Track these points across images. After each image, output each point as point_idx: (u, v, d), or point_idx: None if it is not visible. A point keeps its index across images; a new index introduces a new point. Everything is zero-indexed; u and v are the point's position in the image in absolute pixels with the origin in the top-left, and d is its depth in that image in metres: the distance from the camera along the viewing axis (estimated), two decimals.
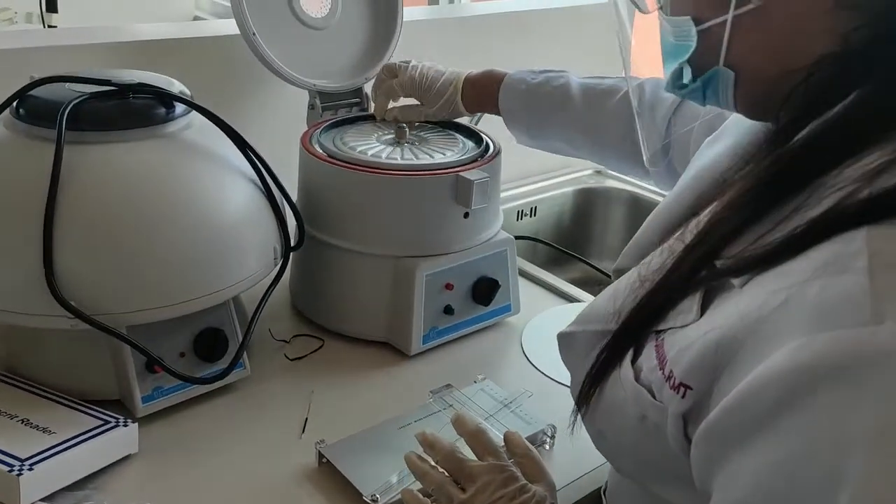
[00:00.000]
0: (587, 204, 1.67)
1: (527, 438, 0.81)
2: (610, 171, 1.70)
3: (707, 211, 0.58)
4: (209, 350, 0.91)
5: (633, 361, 0.60)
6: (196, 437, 0.88)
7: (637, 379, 0.58)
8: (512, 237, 1.10)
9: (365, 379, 1.00)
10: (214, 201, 0.88)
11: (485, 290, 1.06)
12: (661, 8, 0.63)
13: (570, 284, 1.26)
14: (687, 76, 0.62)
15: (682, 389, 0.53)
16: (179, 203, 0.86)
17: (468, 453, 0.75)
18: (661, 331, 0.58)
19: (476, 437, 0.76)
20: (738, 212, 0.54)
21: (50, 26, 1.85)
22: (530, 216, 1.61)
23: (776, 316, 0.47)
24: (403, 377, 1.01)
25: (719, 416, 0.48)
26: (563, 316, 1.15)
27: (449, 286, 1.03)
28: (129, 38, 1.17)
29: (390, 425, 0.87)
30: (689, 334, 0.54)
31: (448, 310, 1.04)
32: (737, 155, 0.59)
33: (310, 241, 1.05)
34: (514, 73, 1.08)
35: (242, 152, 0.91)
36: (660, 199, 1.59)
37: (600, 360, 0.62)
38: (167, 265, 0.84)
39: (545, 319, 1.15)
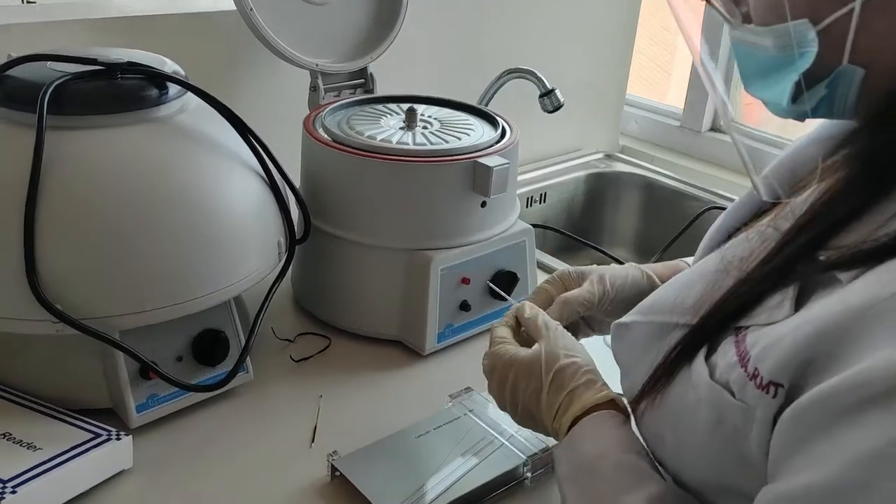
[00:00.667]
0: (598, 189, 1.60)
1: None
2: (621, 155, 1.63)
3: (804, 197, 0.51)
4: (209, 353, 0.83)
5: (707, 358, 0.54)
6: (196, 449, 0.81)
7: (711, 376, 0.53)
8: (531, 227, 1.03)
9: (376, 381, 0.93)
10: (213, 192, 0.81)
11: (504, 283, 0.99)
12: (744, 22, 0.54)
13: None
14: (810, 89, 0.53)
15: (772, 388, 0.48)
16: (174, 194, 0.78)
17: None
18: (742, 326, 0.52)
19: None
20: (846, 200, 0.48)
21: (29, 1, 1.75)
22: (540, 202, 1.53)
23: (889, 305, 0.43)
24: (418, 378, 0.94)
25: (815, 398, 0.45)
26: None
27: (465, 280, 0.96)
28: (117, 13, 1.08)
29: (407, 434, 0.80)
30: (779, 330, 0.49)
31: (464, 305, 0.97)
32: (822, 139, 0.52)
33: (315, 234, 0.97)
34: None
35: (243, 137, 0.83)
36: (675, 184, 1.54)
37: (672, 355, 0.56)
38: (162, 263, 0.77)
39: None
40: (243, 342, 0.85)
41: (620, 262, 1.37)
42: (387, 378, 0.93)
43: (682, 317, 0.58)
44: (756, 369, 0.49)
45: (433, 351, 0.97)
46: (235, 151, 0.84)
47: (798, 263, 0.50)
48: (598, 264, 1.52)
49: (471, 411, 0.84)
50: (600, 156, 1.64)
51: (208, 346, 0.83)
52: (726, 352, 0.52)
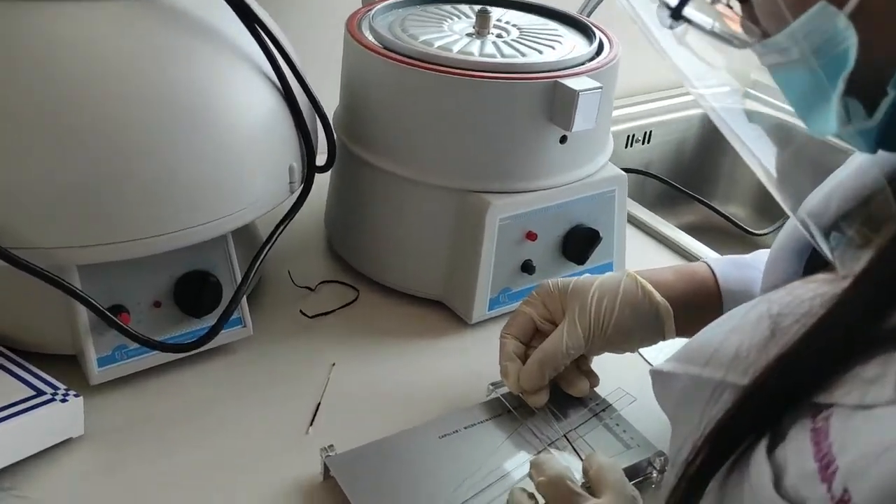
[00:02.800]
0: (717, 131, 1.34)
1: (625, 470, 0.56)
2: (752, 91, 1.35)
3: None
4: (194, 301, 0.67)
5: (771, 450, 0.37)
6: (168, 420, 0.65)
7: (777, 487, 0.36)
8: (623, 173, 0.81)
9: (405, 351, 0.74)
10: (206, 95, 0.62)
11: (581, 243, 0.78)
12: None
13: (694, 239, 0.96)
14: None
15: None
16: (155, 93, 0.60)
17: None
18: (822, 405, 0.36)
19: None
20: None
21: None
22: (643, 143, 1.29)
23: None
24: (458, 354, 0.75)
25: None
26: None
27: (531, 235, 0.76)
28: None
29: (428, 433, 0.62)
30: (884, 423, 0.33)
31: (527, 267, 0.77)
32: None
33: (350, 161, 0.78)
34: (722, 274, 0.69)
35: (249, 28, 0.64)
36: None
37: (717, 438, 0.39)
38: (136, 182, 0.59)
39: None
40: (237, 286, 0.68)
41: (736, 224, 1.14)
42: (419, 349, 0.74)
43: (729, 372, 0.41)
44: (846, 492, 0.32)
45: (482, 320, 0.77)
46: (240, 46, 0.65)
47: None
48: (706, 222, 1.30)
49: (515, 409, 0.64)
50: (726, 89, 1.37)
51: (194, 291, 0.66)
52: (800, 446, 0.36)
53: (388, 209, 0.78)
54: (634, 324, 0.64)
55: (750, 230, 1.07)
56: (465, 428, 0.63)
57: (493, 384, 0.67)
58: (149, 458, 0.61)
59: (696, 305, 0.66)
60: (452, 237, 0.76)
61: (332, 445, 0.60)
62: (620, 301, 0.64)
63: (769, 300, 0.41)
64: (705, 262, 0.69)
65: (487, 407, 0.65)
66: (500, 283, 0.76)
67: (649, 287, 0.65)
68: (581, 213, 0.78)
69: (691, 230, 1.01)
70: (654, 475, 0.62)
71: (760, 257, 0.68)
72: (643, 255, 0.91)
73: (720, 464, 0.39)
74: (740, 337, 0.41)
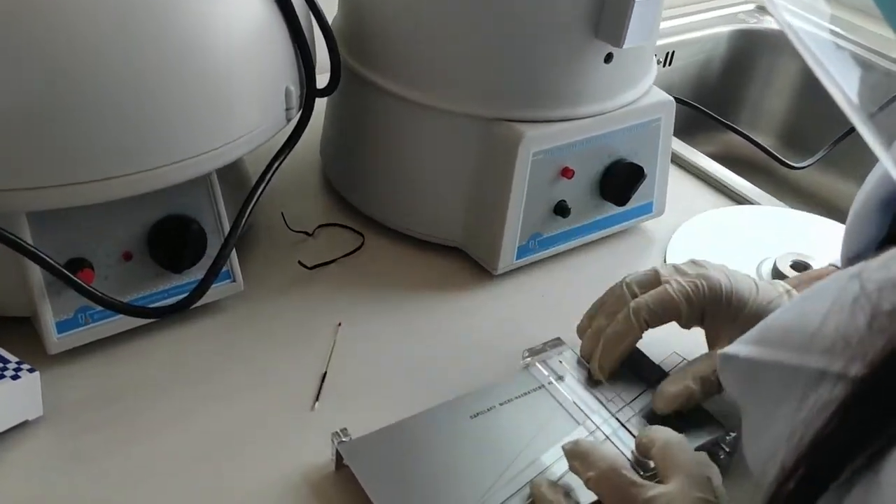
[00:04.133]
0: (744, 52, 1.22)
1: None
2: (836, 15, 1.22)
3: None
4: (173, 252, 0.55)
5: None
6: (143, 396, 0.54)
7: None
8: (671, 99, 0.70)
9: (420, 308, 0.64)
10: (184, 4, 0.50)
11: (622, 181, 0.67)
12: None
13: (733, 174, 0.85)
14: None
15: None
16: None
17: None
18: None
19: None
20: None
21: None
22: (664, 64, 1.17)
23: None
24: (482, 311, 0.64)
25: None
26: (731, 223, 0.79)
27: (567, 172, 0.65)
28: None
29: (457, 410, 0.52)
30: None
31: (561, 208, 0.66)
32: None
33: (352, 82, 0.66)
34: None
35: None
36: (860, 52, 1.14)
37: (815, 461, 0.30)
38: (96, 109, 0.48)
39: (701, 227, 0.76)
40: (226, 236, 0.56)
41: (766, 150, 1.02)
42: (435, 305, 0.64)
43: (833, 359, 0.32)
44: None
45: (509, 270, 0.67)
46: None
47: None
48: (732, 150, 1.19)
49: (558, 379, 0.55)
50: (752, 7, 1.25)
51: (172, 241, 0.55)
52: None
53: (399, 141, 0.66)
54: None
55: (788, 162, 0.96)
56: (500, 404, 0.53)
57: (528, 350, 0.57)
58: (120, 443, 0.51)
59: None
60: (476, 174, 0.64)
61: (345, 429, 0.50)
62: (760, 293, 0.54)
63: (861, 278, 0.32)
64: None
65: (522, 380, 0.55)
66: (529, 228, 0.66)
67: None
68: (623, 145, 0.67)
69: (716, 158, 0.90)
70: (722, 457, 0.52)
71: None
72: (684, 196, 0.80)
73: (825, 484, 0.30)
74: (838, 319, 0.32)
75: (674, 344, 0.59)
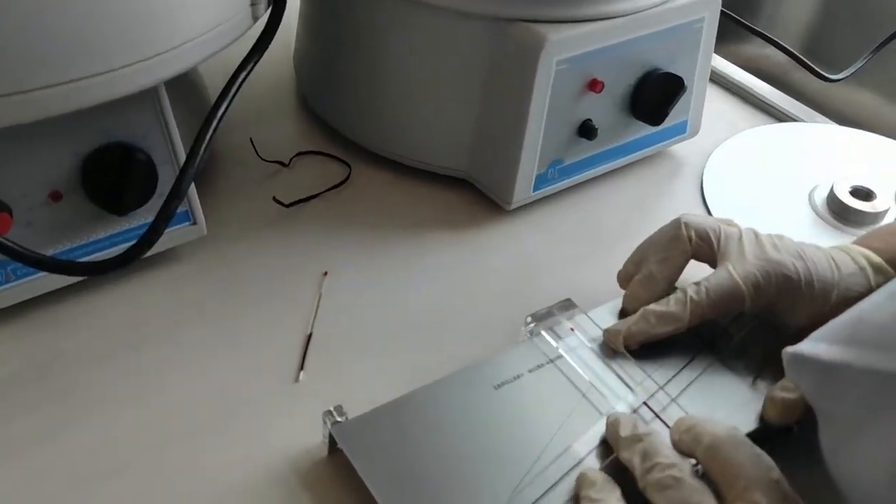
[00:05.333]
0: None
1: (751, 435, 0.38)
2: None
3: None
4: (114, 189, 0.44)
5: None
6: (84, 366, 0.44)
7: None
8: None
9: (421, 255, 0.53)
10: None
11: (658, 95, 0.56)
12: None
13: (772, 88, 0.75)
14: None
15: None
16: None
17: None
18: None
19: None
20: None
21: None
22: None
23: None
24: (493, 254, 0.54)
25: None
26: (773, 144, 0.68)
27: (595, 85, 0.54)
28: None
29: (474, 379, 0.42)
30: None
31: (586, 129, 0.55)
32: None
33: None
34: None
35: None
36: None
37: None
38: (11, 6, 0.36)
39: (739, 149, 0.66)
40: (182, 167, 0.45)
41: (792, 54, 0.90)
42: (439, 249, 0.53)
43: None
44: None
45: (525, 204, 0.56)
46: None
47: None
48: (753, 59, 1.07)
49: (570, 352, 0.44)
50: None
51: (112, 175, 0.44)
52: None
53: (391, 48, 0.55)
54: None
55: (823, 73, 0.85)
56: (530, 372, 0.43)
57: (532, 316, 0.46)
58: (60, 426, 0.41)
59: None
60: (486, 88, 0.53)
61: (339, 407, 0.40)
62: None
63: None
64: None
65: (528, 350, 0.44)
66: (550, 154, 0.55)
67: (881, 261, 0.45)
68: (659, 52, 0.56)
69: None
70: (794, 429, 0.43)
71: None
72: (715, 111, 0.69)
73: None
74: None
75: None
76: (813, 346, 0.30)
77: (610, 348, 0.44)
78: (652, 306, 0.44)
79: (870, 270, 0.44)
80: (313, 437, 0.41)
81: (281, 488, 0.39)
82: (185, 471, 0.39)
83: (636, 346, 0.44)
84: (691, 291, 0.43)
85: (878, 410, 0.27)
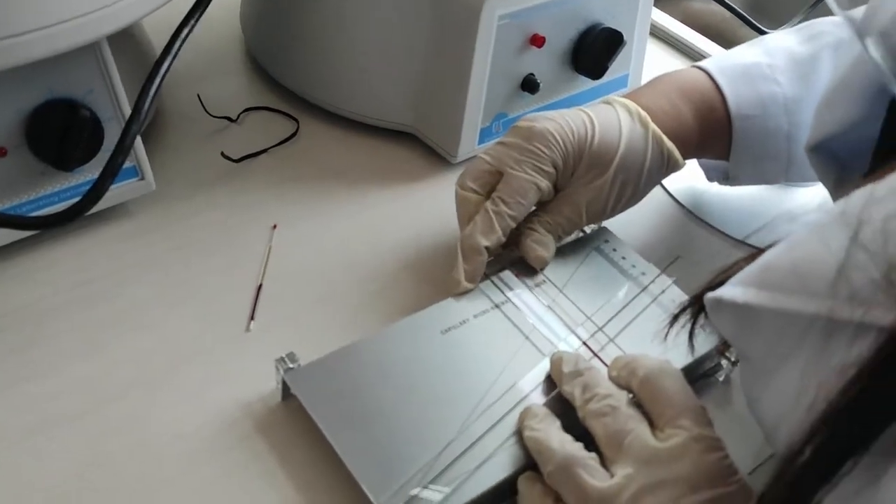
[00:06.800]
0: None
1: (685, 370, 0.41)
2: None
3: None
4: (60, 144, 0.44)
5: None
6: (37, 324, 0.44)
7: None
8: None
9: (369, 207, 0.54)
10: None
11: (599, 50, 0.58)
12: None
13: (711, 43, 0.77)
14: None
15: None
16: None
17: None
18: None
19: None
20: None
21: None
22: None
23: None
24: (440, 207, 0.55)
25: None
26: None
27: (537, 40, 0.55)
28: None
29: (423, 325, 0.44)
30: None
31: (529, 83, 0.57)
32: None
33: None
34: (734, 97, 0.50)
35: None
36: None
37: (833, 432, 0.25)
38: None
39: None
40: (126, 122, 0.45)
41: (744, 18, 0.93)
42: (387, 201, 0.55)
43: (858, 307, 0.25)
44: None
45: (470, 157, 0.58)
46: None
47: None
48: (696, 16, 1.09)
49: (514, 295, 0.46)
50: None
51: (58, 130, 0.44)
52: None
53: (338, 3, 0.55)
54: (644, 194, 0.49)
55: (765, 30, 0.88)
56: (475, 317, 0.45)
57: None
58: (9, 383, 0.41)
59: (702, 146, 0.51)
60: (431, 43, 0.54)
61: (291, 353, 0.41)
62: (645, 179, 0.48)
63: (849, 219, 0.26)
64: (705, 73, 0.51)
65: (474, 296, 0.46)
66: (494, 107, 0.56)
67: (675, 153, 0.48)
68: (599, 7, 0.57)
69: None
70: (725, 365, 0.46)
71: (775, 60, 0.51)
72: (655, 64, 0.71)
73: (844, 458, 0.25)
74: (837, 258, 0.25)
75: (668, 233, 0.52)
76: (730, 290, 0.31)
77: (549, 293, 0.46)
78: (466, 238, 0.46)
79: (625, 117, 0.47)
80: (266, 385, 0.42)
81: (236, 434, 0.41)
82: (140, 420, 0.41)
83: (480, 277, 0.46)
84: (490, 207, 0.46)
85: (789, 353, 0.30)
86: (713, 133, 0.50)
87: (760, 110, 0.50)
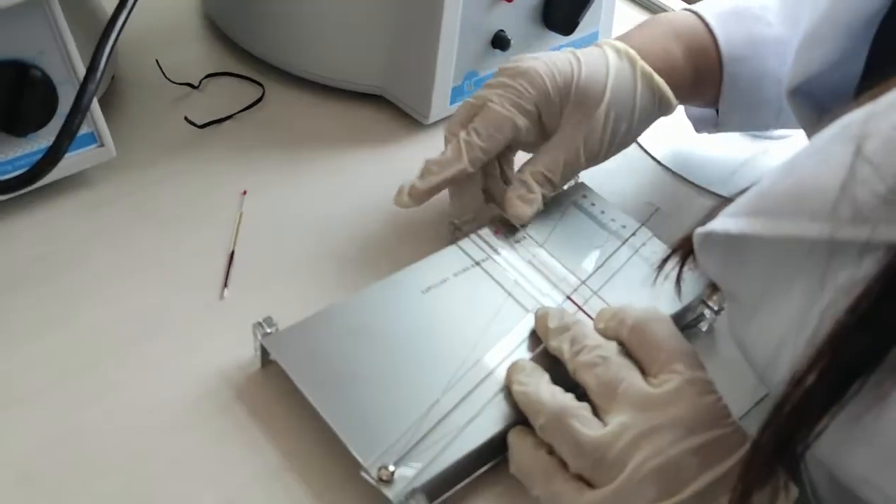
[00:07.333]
0: None
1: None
2: None
3: None
4: (10, 109, 0.42)
5: None
6: None
7: None
8: None
9: (340, 171, 0.53)
10: None
11: (569, 4, 0.57)
12: None
13: (683, 1, 0.76)
14: None
15: None
16: None
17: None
18: None
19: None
20: None
21: None
22: None
23: None
24: (413, 170, 0.54)
25: None
26: None
27: None
28: None
29: (405, 285, 0.43)
30: None
31: (500, 40, 0.55)
32: None
33: None
34: (725, 38, 0.49)
35: None
36: None
37: (835, 356, 0.25)
38: None
39: None
40: (81, 85, 0.43)
41: None
42: (358, 165, 0.53)
43: (861, 227, 0.24)
44: None
45: (442, 118, 0.56)
46: None
47: None
48: None
49: (495, 253, 0.45)
50: None
51: (8, 94, 0.41)
52: None
53: None
54: (637, 134, 0.48)
55: None
56: (455, 275, 0.44)
57: (454, 224, 0.47)
58: None
59: (695, 89, 0.50)
60: (398, 2, 0.52)
61: (269, 318, 0.39)
62: (637, 119, 0.46)
63: (851, 133, 0.25)
64: (696, 15, 0.50)
65: (455, 254, 0.45)
66: (465, 66, 0.55)
67: (666, 91, 0.47)
68: None
69: None
70: (708, 315, 0.46)
71: (766, 1, 0.50)
72: (622, 18, 0.70)
73: (851, 378, 0.24)
74: (839, 176, 0.25)
75: (646, 187, 0.51)
76: (722, 221, 0.30)
77: (530, 249, 0.45)
78: (427, 161, 0.45)
79: (612, 56, 0.46)
80: (244, 352, 0.41)
81: (215, 405, 0.39)
82: (111, 393, 0.39)
83: (426, 199, 0.45)
84: (462, 136, 0.44)
85: (783, 280, 0.29)
86: (705, 76, 0.49)
87: (752, 51, 0.49)
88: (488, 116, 0.44)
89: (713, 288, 0.42)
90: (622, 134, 0.46)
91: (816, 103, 0.42)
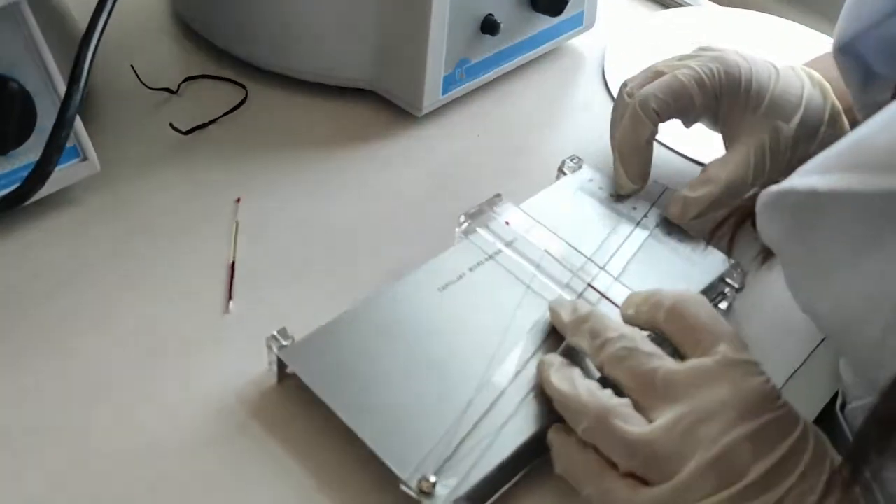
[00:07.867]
0: None
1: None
2: None
3: None
4: None
5: None
6: None
7: None
8: None
9: (335, 169, 0.50)
10: None
11: None
12: None
13: None
14: None
15: None
16: None
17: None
18: None
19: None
20: None
21: None
22: None
23: None
24: (409, 163, 0.52)
25: None
26: (671, 30, 0.66)
27: None
28: None
29: (421, 284, 0.41)
30: None
31: (490, 24, 0.54)
32: None
33: None
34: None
35: None
36: None
37: None
38: None
39: (637, 37, 0.66)
40: (64, 99, 0.40)
41: None
42: (353, 163, 0.51)
43: None
44: None
45: (435, 108, 0.54)
46: None
47: None
48: None
49: (508, 245, 0.44)
50: None
51: None
52: None
53: None
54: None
55: None
56: (471, 270, 0.42)
57: (465, 216, 0.45)
58: None
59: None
60: None
61: (283, 329, 0.37)
62: (816, 148, 0.45)
63: None
64: None
65: (467, 249, 0.43)
66: (456, 53, 0.53)
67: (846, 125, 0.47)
68: None
69: None
70: (728, 293, 0.45)
71: None
72: (611, 3, 0.69)
73: None
74: None
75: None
76: (804, 179, 0.29)
77: (544, 238, 0.43)
78: (616, 135, 0.46)
79: (808, 82, 0.46)
80: (256, 367, 0.38)
81: (231, 426, 0.37)
82: (123, 420, 0.36)
83: (644, 175, 0.46)
84: (638, 96, 0.44)
85: (869, 238, 0.27)
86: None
87: None
88: (671, 83, 0.44)
89: (766, 254, 0.41)
90: (799, 157, 0.45)
91: (864, 65, 0.41)
